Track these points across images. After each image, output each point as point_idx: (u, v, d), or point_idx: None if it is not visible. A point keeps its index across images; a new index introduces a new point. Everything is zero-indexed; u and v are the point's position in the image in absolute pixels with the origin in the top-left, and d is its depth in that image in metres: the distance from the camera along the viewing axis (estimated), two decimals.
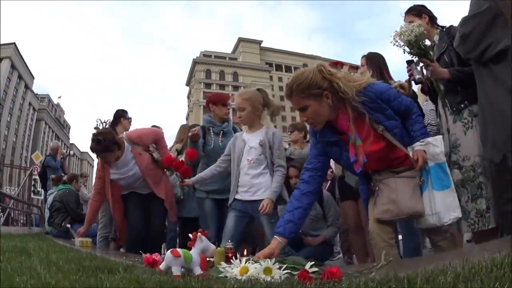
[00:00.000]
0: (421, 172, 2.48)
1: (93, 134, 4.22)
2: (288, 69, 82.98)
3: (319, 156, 2.67)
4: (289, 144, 5.51)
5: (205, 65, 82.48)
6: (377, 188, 2.57)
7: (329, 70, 2.44)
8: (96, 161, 4.92)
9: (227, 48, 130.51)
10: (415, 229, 2.90)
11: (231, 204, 3.56)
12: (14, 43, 60.99)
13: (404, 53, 2.87)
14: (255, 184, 3.49)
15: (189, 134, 4.11)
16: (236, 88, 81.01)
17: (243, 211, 3.52)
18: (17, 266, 2.08)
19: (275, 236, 2.58)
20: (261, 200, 3.39)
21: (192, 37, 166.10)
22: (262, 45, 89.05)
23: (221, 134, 4.33)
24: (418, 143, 2.45)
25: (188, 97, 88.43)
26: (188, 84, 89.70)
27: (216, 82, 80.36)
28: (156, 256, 2.66)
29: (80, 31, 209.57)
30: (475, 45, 2.57)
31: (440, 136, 2.65)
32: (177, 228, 5.28)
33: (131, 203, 4.44)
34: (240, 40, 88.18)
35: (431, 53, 2.92)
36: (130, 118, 5.84)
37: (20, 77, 63.70)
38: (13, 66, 60.70)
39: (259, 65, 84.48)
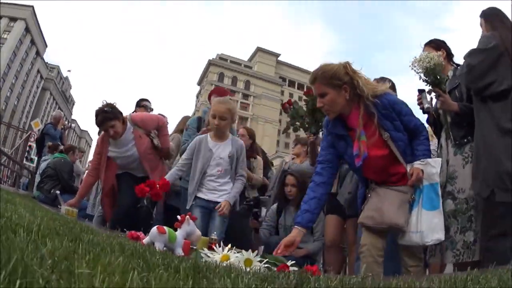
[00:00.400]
0: (414, 189, 2.58)
1: (97, 110, 4.25)
2: (300, 86, 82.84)
3: (330, 147, 2.80)
4: (293, 158, 5.56)
5: (219, 67, 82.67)
6: (369, 195, 2.70)
7: (353, 68, 2.62)
8: (94, 140, 4.94)
9: (243, 55, 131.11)
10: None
11: (194, 202, 3.66)
12: (32, 7, 60.24)
13: (420, 79, 2.94)
14: (221, 189, 3.69)
15: (204, 129, 4.14)
16: (246, 96, 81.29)
17: (205, 207, 3.64)
18: (2, 207, 2.07)
19: (295, 226, 2.71)
20: None
21: (211, 37, 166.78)
22: (279, 58, 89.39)
23: None
24: (418, 161, 2.57)
25: (197, 97, 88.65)
26: (199, 83, 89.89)
27: (228, 86, 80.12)
28: (140, 233, 2.68)
29: (105, 17, 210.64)
30: (480, 77, 2.69)
31: (440, 159, 2.75)
32: (163, 219, 5.26)
33: (124, 182, 4.41)
34: (258, 49, 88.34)
35: (443, 86, 2.99)
36: (150, 108, 6.06)
37: (32, 41, 62.64)
38: (27, 29, 59.55)
39: (273, 78, 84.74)
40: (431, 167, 2.55)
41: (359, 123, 2.57)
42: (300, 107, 3.55)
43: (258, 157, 5.23)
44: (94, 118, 4.25)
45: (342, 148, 2.72)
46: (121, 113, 4.32)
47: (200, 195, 3.67)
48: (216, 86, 5.69)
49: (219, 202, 3.60)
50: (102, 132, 4.43)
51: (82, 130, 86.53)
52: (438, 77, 2.90)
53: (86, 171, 5.89)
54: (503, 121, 2.59)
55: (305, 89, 3.64)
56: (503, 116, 2.60)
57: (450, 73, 3.25)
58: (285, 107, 3.76)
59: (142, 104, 6.03)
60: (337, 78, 2.58)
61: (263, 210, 5.21)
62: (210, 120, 3.72)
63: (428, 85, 2.98)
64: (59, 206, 5.23)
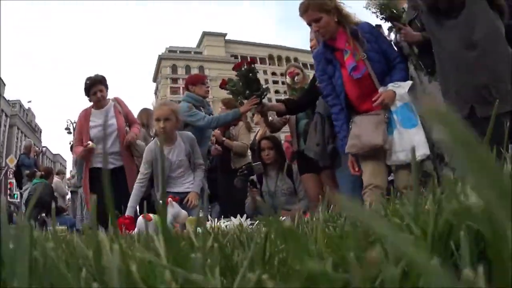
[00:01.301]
0: (389, 110, 2.70)
1: (86, 78, 4.50)
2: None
3: (324, 74, 3.05)
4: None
5: (170, 60, 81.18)
6: (350, 127, 2.87)
7: None
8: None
9: (192, 42, 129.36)
10: None
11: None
12: None
13: (377, 18, 3.04)
14: (186, 182, 3.82)
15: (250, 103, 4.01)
16: None
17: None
18: None
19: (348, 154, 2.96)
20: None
21: (157, 34, 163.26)
22: (226, 37, 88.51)
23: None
24: (391, 84, 2.73)
25: (156, 93, 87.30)
26: (155, 80, 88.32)
27: (183, 76, 78.82)
28: (130, 218, 2.66)
29: (49, 32, 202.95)
30: None
31: (411, 81, 2.81)
32: None
33: (97, 183, 4.34)
34: (205, 34, 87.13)
35: (402, 19, 3.03)
36: None
37: None
38: None
39: (224, 58, 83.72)
40: (402, 89, 2.69)
41: (349, 40, 2.86)
42: (237, 82, 3.55)
43: (240, 122, 5.03)
44: (84, 83, 4.47)
45: (330, 72, 2.98)
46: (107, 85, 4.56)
47: (169, 189, 3.70)
48: (189, 75, 5.62)
49: (187, 193, 3.69)
50: (84, 110, 4.56)
51: (54, 154, 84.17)
52: (395, 11, 2.97)
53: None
54: (470, 33, 2.47)
55: (258, 62, 3.63)
56: (467, 29, 2.49)
57: (405, 5, 3.23)
58: (222, 88, 3.77)
59: None
60: (326, 4, 2.89)
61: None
62: (155, 125, 3.71)
63: (386, 21, 3.04)
64: (49, 228, 5.16)
